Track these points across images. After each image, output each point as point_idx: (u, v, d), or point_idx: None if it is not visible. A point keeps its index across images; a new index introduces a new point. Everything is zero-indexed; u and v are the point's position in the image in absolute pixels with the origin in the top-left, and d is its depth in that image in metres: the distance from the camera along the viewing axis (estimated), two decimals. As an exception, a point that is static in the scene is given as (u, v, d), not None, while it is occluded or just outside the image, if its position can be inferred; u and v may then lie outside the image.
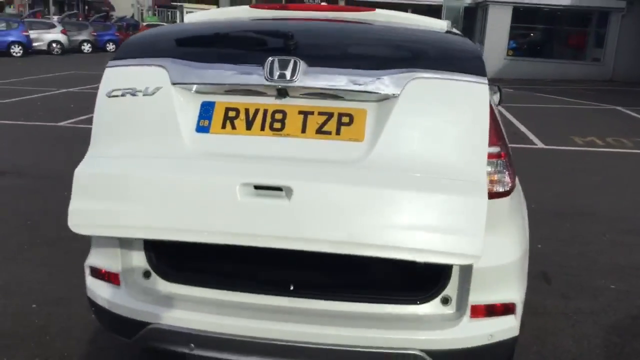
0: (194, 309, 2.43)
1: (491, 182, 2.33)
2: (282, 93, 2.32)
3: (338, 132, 2.27)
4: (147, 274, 2.60)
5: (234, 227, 2.17)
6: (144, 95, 2.39)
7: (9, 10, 54.93)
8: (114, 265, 2.55)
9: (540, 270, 4.58)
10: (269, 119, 2.31)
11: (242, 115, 2.34)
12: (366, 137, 2.25)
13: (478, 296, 2.34)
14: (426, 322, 2.37)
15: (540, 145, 9.72)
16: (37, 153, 8.24)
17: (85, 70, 20.72)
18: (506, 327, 2.38)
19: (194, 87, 2.38)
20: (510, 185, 2.38)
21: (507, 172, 2.38)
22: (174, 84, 2.37)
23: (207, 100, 2.38)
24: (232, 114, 2.35)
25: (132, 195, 2.27)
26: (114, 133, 2.43)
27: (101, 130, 2.46)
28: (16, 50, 25.91)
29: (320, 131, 2.28)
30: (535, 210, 6.06)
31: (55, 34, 28.23)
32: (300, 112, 2.31)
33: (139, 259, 2.59)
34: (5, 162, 7.61)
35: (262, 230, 2.15)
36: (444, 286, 2.40)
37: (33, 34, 27.08)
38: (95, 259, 2.64)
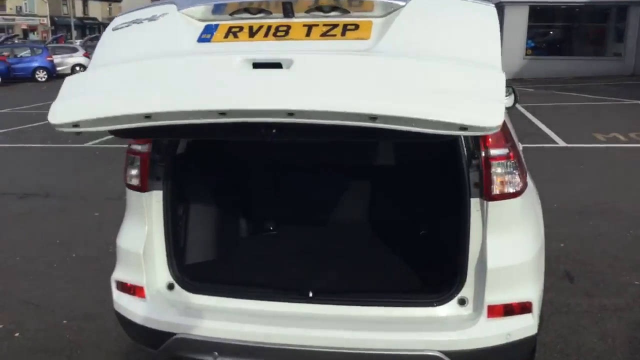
0: (216, 318, 2.51)
1: (501, 183, 2.36)
2: (287, 10, 2.28)
3: (343, 34, 2.23)
4: (170, 286, 2.68)
5: (230, 94, 1.97)
6: (149, 21, 2.41)
7: (33, 37, 56.36)
8: (139, 278, 2.64)
9: (564, 269, 4.56)
10: (272, 30, 2.28)
11: (246, 30, 2.32)
12: (372, 36, 2.20)
13: (494, 296, 2.37)
14: (444, 323, 2.41)
15: (561, 143, 9.63)
16: (64, 174, 8.44)
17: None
18: (523, 326, 2.40)
19: (200, 12, 2.37)
20: (520, 185, 2.41)
21: (517, 173, 2.41)
22: (179, 10, 2.38)
23: (211, 24, 2.37)
24: (235, 29, 2.33)
25: (124, 81, 2.15)
26: (112, 50, 2.42)
27: (101, 52, 2.43)
28: (41, 75, 26.53)
29: (325, 35, 2.23)
30: (558, 209, 6.04)
31: (78, 58, 28.78)
32: (304, 25, 2.27)
33: (162, 272, 2.68)
34: (34, 183, 7.81)
35: (261, 95, 1.95)
36: (460, 287, 2.44)
37: (57, 58, 27.70)
38: (121, 273, 2.73)
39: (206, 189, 3.14)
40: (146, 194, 2.67)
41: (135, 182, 2.69)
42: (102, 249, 5.06)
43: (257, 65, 2.04)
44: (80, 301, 4.26)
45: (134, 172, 2.69)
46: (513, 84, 4.86)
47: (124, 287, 2.72)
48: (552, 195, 6.16)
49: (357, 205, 3.59)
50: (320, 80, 1.96)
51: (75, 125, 2.08)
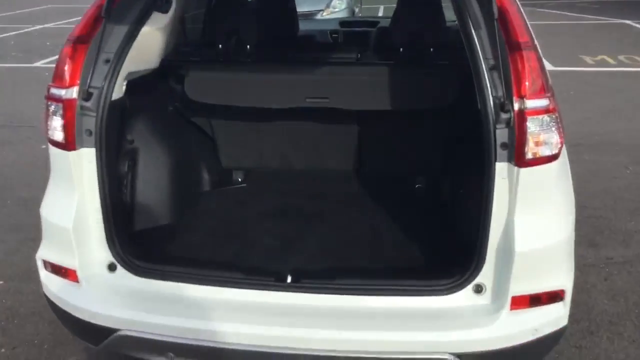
0: (170, 311, 1.99)
1: (536, 144, 1.83)
2: None
3: None
4: (112, 267, 2.14)
5: None
6: None
7: (-21, -60, 52.20)
8: (70, 259, 2.08)
9: (563, 214, 4.16)
10: None
11: None
12: None
13: (521, 285, 1.89)
14: (456, 317, 1.93)
15: (548, 66, 9.03)
16: (9, 98, 7.65)
17: (62, 3, 19.59)
18: (553, 318, 1.95)
19: None
20: (559, 146, 1.89)
21: (555, 130, 1.87)
22: None
23: None
24: None
25: None
26: None
27: None
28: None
29: None
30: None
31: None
32: None
33: (100, 250, 2.12)
34: (-26, 110, 7.04)
35: None
36: (477, 271, 1.94)
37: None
38: (48, 251, 2.17)
39: (155, 138, 2.53)
40: (74, 153, 2.06)
41: (58, 137, 2.06)
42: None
43: None
44: (21, 256, 3.69)
45: (57, 123, 2.06)
46: None
47: (53, 268, 2.17)
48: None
49: (347, 156, 3.00)
50: None
51: None
